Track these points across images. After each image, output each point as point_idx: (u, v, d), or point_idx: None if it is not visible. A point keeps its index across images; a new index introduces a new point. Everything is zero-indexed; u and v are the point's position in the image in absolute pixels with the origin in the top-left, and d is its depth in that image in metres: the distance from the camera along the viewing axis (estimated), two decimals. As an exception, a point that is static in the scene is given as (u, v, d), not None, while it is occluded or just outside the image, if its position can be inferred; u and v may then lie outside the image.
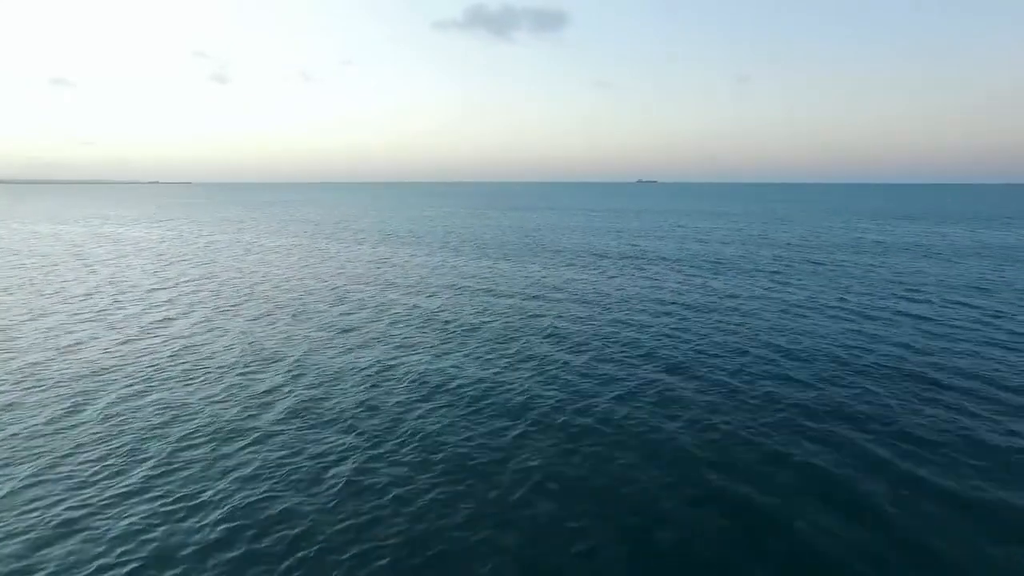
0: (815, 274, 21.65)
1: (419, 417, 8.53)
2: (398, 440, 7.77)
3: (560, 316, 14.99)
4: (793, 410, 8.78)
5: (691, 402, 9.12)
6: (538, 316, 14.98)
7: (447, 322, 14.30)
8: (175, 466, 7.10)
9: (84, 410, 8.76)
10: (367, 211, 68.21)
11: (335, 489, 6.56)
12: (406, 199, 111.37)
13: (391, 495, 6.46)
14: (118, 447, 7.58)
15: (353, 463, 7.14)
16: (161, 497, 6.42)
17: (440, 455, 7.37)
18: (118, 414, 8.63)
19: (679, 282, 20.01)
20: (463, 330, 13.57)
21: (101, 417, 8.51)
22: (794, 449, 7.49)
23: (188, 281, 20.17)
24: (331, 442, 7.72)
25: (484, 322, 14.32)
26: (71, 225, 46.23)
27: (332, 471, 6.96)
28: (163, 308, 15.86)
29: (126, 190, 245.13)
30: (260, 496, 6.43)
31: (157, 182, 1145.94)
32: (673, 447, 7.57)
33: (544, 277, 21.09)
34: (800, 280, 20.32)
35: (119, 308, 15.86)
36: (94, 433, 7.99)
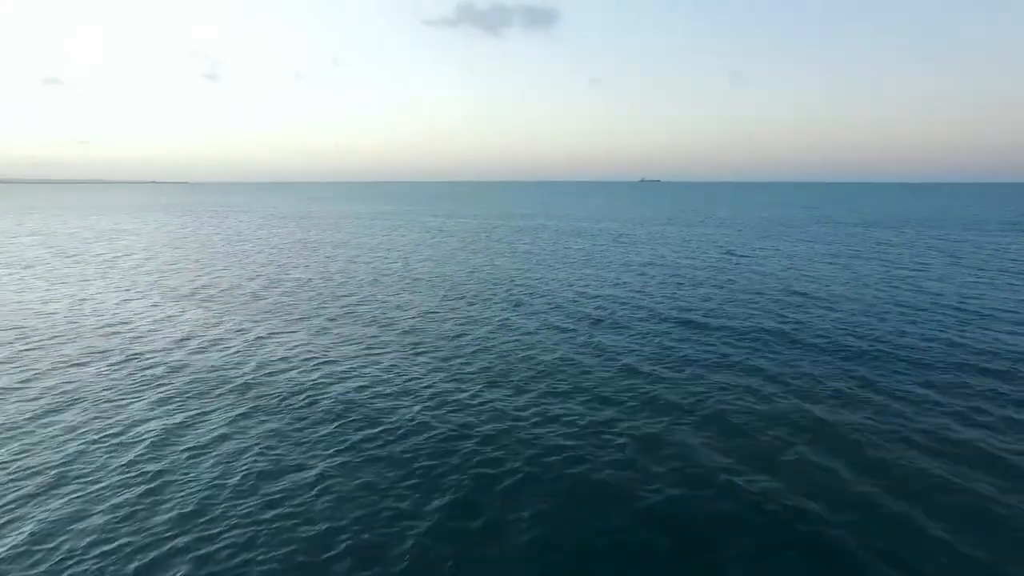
0: None
1: None
2: None
3: None
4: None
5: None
6: None
7: None
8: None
9: None
10: (315, 223, 55.06)
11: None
12: (382, 205, 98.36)
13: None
14: None
15: None
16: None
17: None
18: None
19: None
20: None
21: None
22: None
23: None
24: None
25: None
26: None
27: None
28: None
29: (118, 190, 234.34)
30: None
31: (155, 182, 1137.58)
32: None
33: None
34: None
35: None
36: None
